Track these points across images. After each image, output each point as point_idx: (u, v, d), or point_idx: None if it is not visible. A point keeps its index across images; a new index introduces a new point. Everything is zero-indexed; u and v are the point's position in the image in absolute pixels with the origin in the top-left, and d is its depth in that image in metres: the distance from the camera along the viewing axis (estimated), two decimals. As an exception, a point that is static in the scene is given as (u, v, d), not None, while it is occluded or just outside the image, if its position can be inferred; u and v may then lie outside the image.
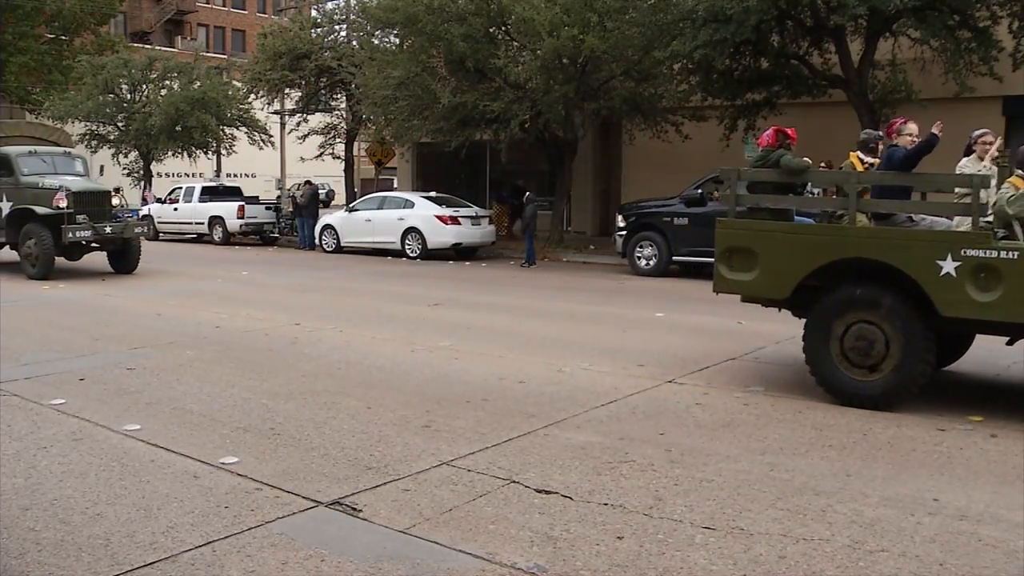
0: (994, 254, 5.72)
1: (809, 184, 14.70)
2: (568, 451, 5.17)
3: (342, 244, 20.72)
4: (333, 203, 37.63)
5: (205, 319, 10.17)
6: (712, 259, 16.10)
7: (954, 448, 5.33)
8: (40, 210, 14.17)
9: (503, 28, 19.18)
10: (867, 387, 6.19)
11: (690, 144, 19.40)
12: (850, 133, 16.39)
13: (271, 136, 30.70)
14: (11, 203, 14.62)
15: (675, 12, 15.50)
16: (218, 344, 8.61)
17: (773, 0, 14.18)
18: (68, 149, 16.67)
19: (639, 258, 15.89)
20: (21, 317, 10.27)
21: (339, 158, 29.79)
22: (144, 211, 24.90)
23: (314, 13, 28.54)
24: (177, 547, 3.79)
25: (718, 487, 4.58)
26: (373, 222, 19.94)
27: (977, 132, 6.90)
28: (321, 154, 29.29)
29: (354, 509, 4.25)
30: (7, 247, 15.16)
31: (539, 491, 4.49)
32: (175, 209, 24.74)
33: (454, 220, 18.79)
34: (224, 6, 56.14)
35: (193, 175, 35.16)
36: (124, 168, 31.65)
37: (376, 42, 23.36)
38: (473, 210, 19.64)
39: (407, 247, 19.15)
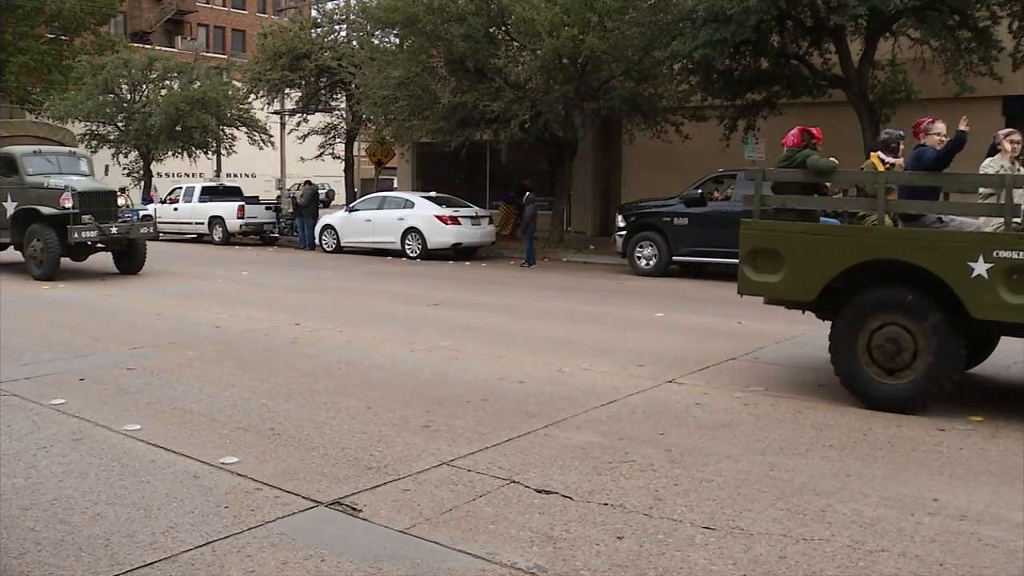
0: None
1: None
2: (568, 451, 5.17)
3: (342, 244, 20.72)
4: (333, 203, 37.65)
5: (205, 319, 10.17)
6: (712, 259, 16.24)
7: (954, 448, 5.32)
8: (45, 210, 14.09)
9: (503, 28, 19.18)
10: (895, 390, 6.08)
11: (690, 144, 19.41)
12: (850, 133, 16.46)
13: (271, 136, 30.71)
14: (16, 203, 14.53)
15: (675, 12, 15.50)
16: (218, 344, 8.61)
17: (773, 0, 14.18)
18: (73, 149, 16.52)
19: (639, 258, 15.89)
20: (21, 317, 10.27)
21: (339, 158, 29.80)
22: (147, 210, 24.80)
23: (314, 13, 28.55)
24: (177, 547, 3.79)
25: (718, 487, 4.58)
26: (373, 222, 19.95)
27: (1004, 131, 6.76)
28: (321, 154, 29.28)
29: (354, 509, 4.25)
30: (11, 247, 15.08)
31: (539, 491, 4.49)
32: (175, 209, 24.74)
33: (454, 220, 18.79)
34: (224, 6, 56.14)
35: (193, 175, 35.17)
36: (124, 168, 31.66)
37: (376, 42, 23.37)
38: (473, 210, 19.64)
39: (407, 247, 19.15)
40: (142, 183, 31.55)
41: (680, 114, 19.33)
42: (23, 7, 34.00)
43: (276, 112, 30.42)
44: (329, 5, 27.04)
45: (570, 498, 4.40)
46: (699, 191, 15.37)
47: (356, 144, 30.61)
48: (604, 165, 24.53)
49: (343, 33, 26.20)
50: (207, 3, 54.85)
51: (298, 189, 26.36)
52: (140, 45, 41.13)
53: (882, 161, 7.01)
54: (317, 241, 21.47)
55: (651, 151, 21.05)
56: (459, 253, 19.31)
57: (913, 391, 6.02)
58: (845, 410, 6.18)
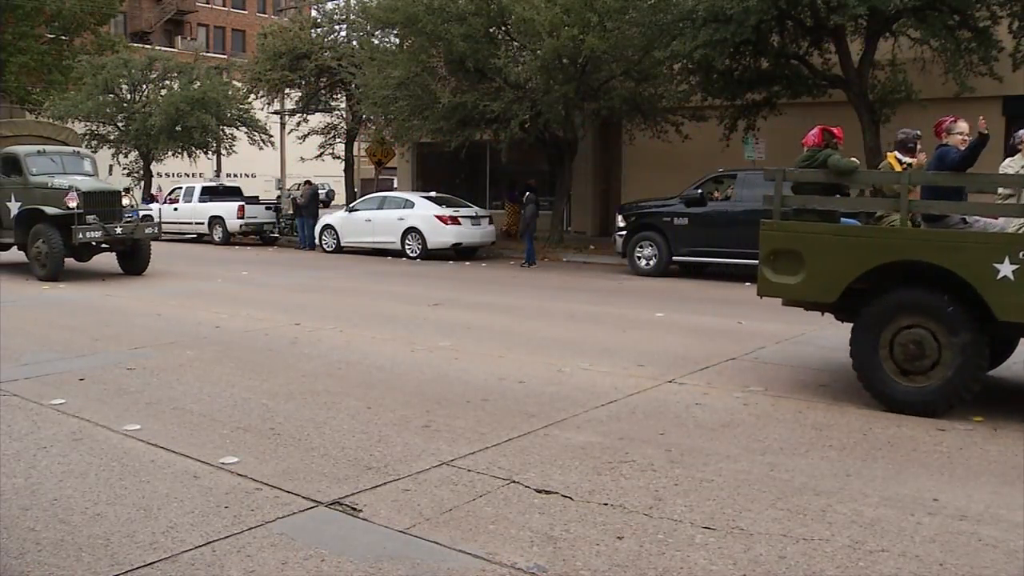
0: None
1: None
2: (568, 451, 5.17)
3: (342, 244, 20.72)
4: (333, 203, 37.66)
5: (205, 319, 10.17)
6: (712, 259, 16.22)
7: (954, 448, 5.32)
8: (50, 210, 13.99)
9: (503, 28, 19.19)
10: (917, 393, 5.99)
11: (690, 144, 19.41)
12: (850, 133, 16.43)
13: (271, 136, 30.71)
14: (20, 203, 14.45)
15: (675, 12, 15.51)
16: (218, 344, 8.61)
17: (773, 0, 14.19)
18: (77, 149, 16.41)
19: (639, 258, 15.89)
20: (21, 317, 10.27)
21: (339, 158, 29.80)
22: (148, 210, 24.77)
23: (314, 13, 28.56)
24: (177, 547, 3.79)
25: (718, 487, 4.58)
26: (373, 222, 19.95)
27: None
28: (321, 154, 29.30)
29: (354, 509, 4.25)
30: (15, 247, 15.01)
31: (539, 491, 4.49)
32: (175, 209, 24.73)
33: (454, 220, 18.79)
34: (224, 6, 56.15)
35: (193, 175, 35.19)
36: (124, 168, 31.66)
37: (376, 42, 23.38)
38: (473, 210, 19.64)
39: (407, 247, 19.15)
40: (142, 183, 31.55)
41: (680, 114, 19.33)
42: (23, 7, 34.00)
43: (276, 112, 30.43)
44: (329, 5, 27.06)
45: (570, 498, 4.40)
46: (699, 191, 15.37)
47: (356, 144, 30.62)
48: (604, 165, 24.53)
49: (343, 33, 26.21)
50: (207, 3, 54.85)
51: (298, 189, 26.38)
52: (140, 45, 41.13)
53: (899, 161, 6.91)
54: (317, 241, 21.47)
55: (651, 151, 21.06)
56: (459, 253, 19.31)
57: (937, 394, 5.92)
58: (845, 410, 6.18)
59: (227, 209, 23.55)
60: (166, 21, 52.67)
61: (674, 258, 15.52)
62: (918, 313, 6.02)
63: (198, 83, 29.25)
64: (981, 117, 6.16)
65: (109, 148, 30.48)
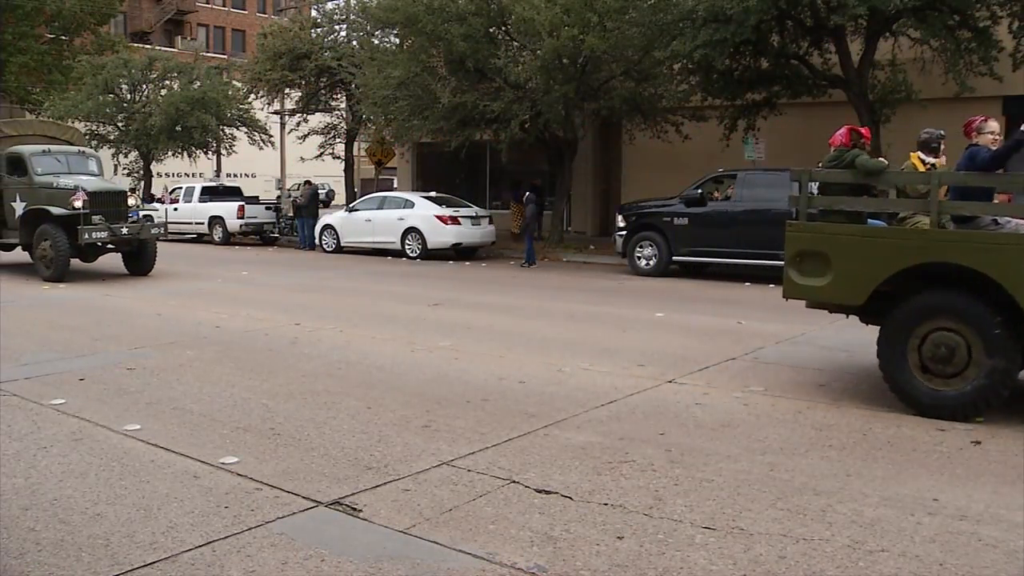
0: None
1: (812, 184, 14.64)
2: (568, 451, 5.17)
3: (342, 244, 20.72)
4: (333, 203, 37.66)
5: (205, 319, 10.17)
6: (712, 259, 16.22)
7: (954, 448, 5.32)
8: (55, 210, 13.89)
9: (503, 28, 19.19)
10: (947, 397, 5.90)
11: (690, 144, 19.42)
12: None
13: (271, 136, 30.71)
14: (25, 203, 14.35)
15: (675, 12, 15.50)
16: (218, 344, 8.61)
17: (773, 0, 14.19)
18: (82, 148, 16.27)
19: (639, 258, 15.89)
20: (21, 317, 10.27)
21: (339, 158, 29.81)
22: (148, 210, 24.75)
23: (314, 13, 28.56)
24: (177, 547, 3.79)
25: (718, 487, 4.58)
26: (373, 222, 19.94)
27: None
28: (321, 154, 29.30)
29: (354, 509, 4.25)
30: (19, 248, 14.91)
31: (539, 491, 4.49)
32: (175, 209, 24.73)
33: (454, 220, 18.79)
34: (224, 6, 56.14)
35: (193, 175, 35.18)
36: (124, 168, 31.65)
37: (376, 42, 23.39)
38: (473, 210, 19.64)
39: (407, 247, 19.15)
40: (142, 183, 31.54)
41: (680, 114, 19.33)
42: (23, 7, 34.01)
43: (276, 112, 30.43)
44: (329, 5, 27.07)
45: (570, 498, 4.40)
46: (699, 191, 15.37)
47: (356, 144, 30.63)
48: (604, 165, 24.53)
49: (343, 33, 26.22)
50: (207, 3, 54.85)
51: (298, 189, 26.37)
52: (140, 45, 41.11)
53: (922, 161, 6.81)
54: (317, 241, 21.46)
55: (651, 151, 21.06)
56: (459, 253, 19.31)
57: (968, 397, 5.82)
58: (845, 410, 6.18)
59: (227, 209, 23.54)
60: (166, 21, 52.67)
61: (674, 258, 15.52)
62: (948, 316, 5.91)
63: (198, 83, 29.26)
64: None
65: (109, 148, 30.49)
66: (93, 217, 13.93)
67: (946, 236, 6.12)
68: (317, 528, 4.03)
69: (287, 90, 28.26)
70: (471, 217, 19.27)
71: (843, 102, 16.64)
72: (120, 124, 30.11)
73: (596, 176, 24.39)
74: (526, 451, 5.17)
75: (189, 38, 49.44)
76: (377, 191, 25.10)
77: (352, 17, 24.78)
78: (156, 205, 24.89)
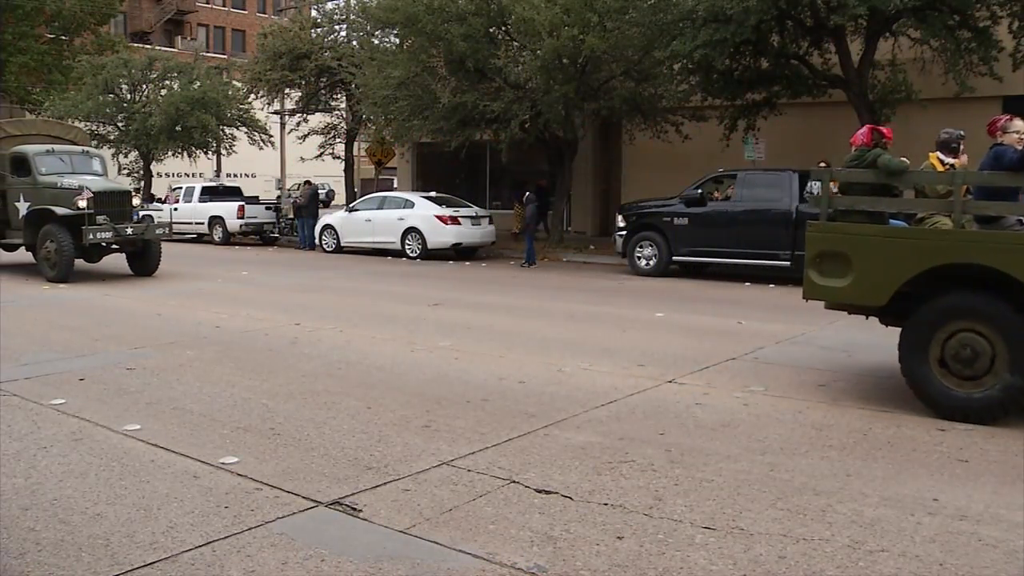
0: None
1: (812, 184, 14.62)
2: (568, 451, 5.17)
3: (342, 244, 20.72)
4: (333, 203, 37.67)
5: (205, 319, 10.17)
6: (712, 259, 16.21)
7: (954, 448, 5.32)
8: (60, 211, 13.79)
9: (503, 28, 19.19)
10: (971, 400, 5.83)
11: (690, 144, 19.42)
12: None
13: (271, 136, 30.71)
14: (29, 203, 14.25)
15: (675, 12, 15.51)
16: (218, 344, 8.61)
17: (773, 0, 14.19)
18: (86, 148, 16.17)
19: (639, 258, 15.89)
20: (21, 317, 10.26)
21: (339, 158, 29.80)
22: (149, 211, 24.69)
23: (314, 13, 28.56)
24: (177, 547, 3.79)
25: (718, 487, 4.58)
26: (373, 222, 19.94)
27: None
28: (321, 154, 29.30)
29: (354, 509, 4.25)
30: (22, 248, 14.82)
31: (539, 491, 4.49)
32: (175, 209, 24.70)
33: (454, 220, 18.79)
34: (224, 6, 56.15)
35: (193, 175, 35.18)
36: (124, 168, 31.65)
37: (376, 42, 23.38)
38: (473, 210, 19.64)
39: (407, 247, 19.15)
40: (142, 183, 31.54)
41: (680, 114, 19.34)
42: (23, 7, 34.01)
43: (276, 112, 30.43)
44: (329, 5, 27.07)
45: (570, 498, 4.40)
46: (699, 191, 15.37)
47: (356, 144, 30.62)
48: (604, 165, 24.54)
49: (343, 33, 26.22)
50: (207, 3, 54.86)
51: (298, 189, 26.37)
52: (140, 45, 41.13)
53: (941, 162, 6.75)
54: (317, 241, 21.46)
55: (651, 151, 21.06)
56: (459, 253, 19.31)
57: (992, 400, 5.76)
58: (845, 410, 6.18)
59: (227, 209, 23.53)
60: (166, 21, 52.68)
61: (674, 258, 15.52)
62: (972, 317, 5.82)
63: (198, 83, 29.25)
64: None
65: (109, 148, 30.48)
66: (97, 217, 13.81)
67: (971, 237, 6.04)
68: (317, 528, 4.03)
69: (287, 90, 28.25)
70: (471, 217, 19.27)
71: (843, 102, 16.65)
72: (120, 124, 30.11)
73: (596, 176, 24.39)
74: (526, 451, 5.17)
75: (189, 38, 49.49)
76: (377, 191, 25.10)
77: (352, 17, 24.77)
78: (161, 205, 24.82)
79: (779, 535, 3.95)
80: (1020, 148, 6.14)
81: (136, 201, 15.55)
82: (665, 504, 4.32)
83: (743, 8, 14.05)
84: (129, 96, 30.41)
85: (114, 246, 14.62)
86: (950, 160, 6.80)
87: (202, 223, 23.99)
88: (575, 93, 17.97)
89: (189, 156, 30.54)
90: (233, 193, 25.28)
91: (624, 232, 16.16)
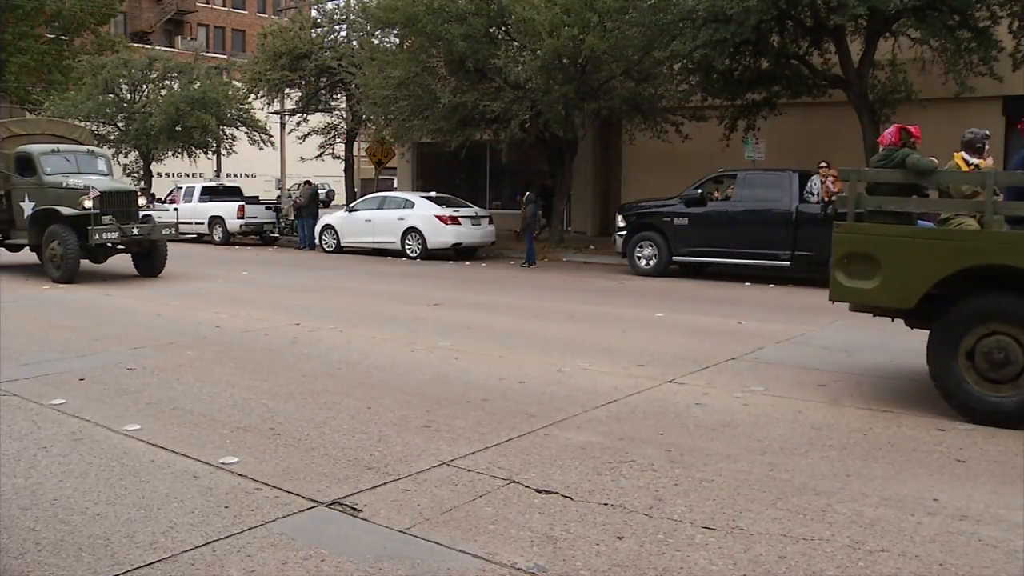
0: None
1: (812, 184, 14.58)
2: (568, 451, 5.17)
3: (342, 244, 20.72)
4: (333, 203, 37.67)
5: (205, 319, 10.17)
6: (712, 259, 16.21)
7: (954, 448, 5.32)
8: (65, 211, 13.69)
9: (503, 28, 19.19)
10: (1003, 404, 5.73)
11: (690, 144, 19.42)
12: (850, 133, 16.47)
13: (271, 136, 30.70)
14: (33, 203, 14.15)
15: (675, 12, 15.51)
16: (218, 344, 8.61)
17: (773, 0, 14.19)
18: (91, 147, 16.10)
19: (639, 258, 15.89)
20: (21, 317, 10.26)
21: (339, 158, 29.80)
22: (167, 210, 24.61)
23: (314, 13, 28.56)
24: (177, 547, 3.79)
25: (718, 487, 4.57)
26: (373, 222, 19.94)
27: None
28: (321, 154, 29.30)
29: (354, 509, 4.25)
30: (27, 248, 14.75)
31: (539, 491, 4.49)
32: (175, 209, 24.68)
33: (454, 220, 18.79)
34: (224, 6, 56.16)
35: (193, 175, 35.17)
36: (124, 168, 31.64)
37: (376, 42, 23.38)
38: (473, 210, 19.65)
39: (407, 247, 19.15)
40: (142, 183, 31.54)
41: (680, 114, 19.34)
42: (23, 7, 33.99)
43: (276, 112, 30.43)
44: (329, 5, 27.07)
45: (570, 498, 4.40)
46: (699, 191, 15.37)
47: (356, 144, 30.62)
48: (604, 165, 24.54)
49: (343, 33, 26.22)
50: (207, 3, 54.86)
51: (298, 189, 26.36)
52: (140, 45, 41.11)
53: (966, 162, 6.67)
54: (317, 241, 21.46)
55: (651, 151, 21.06)
56: (459, 253, 19.31)
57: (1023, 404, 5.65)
58: (845, 410, 6.18)
59: (227, 209, 23.52)
60: (166, 21, 52.68)
61: (674, 258, 15.52)
62: (1004, 320, 5.73)
63: (198, 83, 29.24)
64: None
65: (109, 148, 30.46)
66: (103, 217, 13.72)
67: (1005, 238, 5.95)
68: (317, 528, 4.03)
69: (287, 90, 28.26)
70: (471, 217, 19.27)
71: (843, 102, 16.65)
72: (120, 124, 30.10)
73: (596, 176, 24.39)
74: (526, 451, 5.17)
75: (189, 38, 49.46)
76: (377, 191, 25.09)
77: (352, 17, 24.79)
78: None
79: (779, 535, 3.95)
80: None
81: (142, 201, 15.43)
82: (665, 504, 4.32)
83: (743, 8, 14.05)
84: (129, 96, 30.41)
85: (120, 247, 14.52)
86: (975, 160, 6.72)
87: (202, 223, 23.98)
88: (575, 93, 17.97)
89: (189, 156, 30.53)
90: (233, 193, 25.27)
91: (624, 232, 16.15)
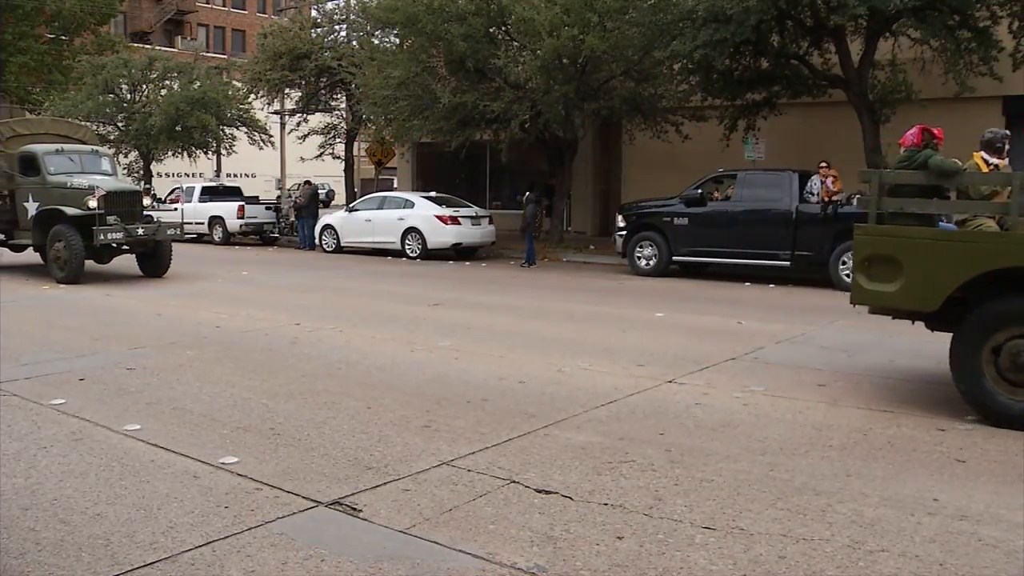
0: None
1: (812, 184, 14.57)
2: (568, 451, 5.17)
3: (342, 244, 20.72)
4: (333, 203, 37.68)
5: (205, 319, 10.17)
6: (712, 259, 16.21)
7: (954, 448, 5.32)
8: (70, 211, 13.61)
9: (503, 28, 19.19)
10: None
11: (690, 144, 19.43)
12: (850, 133, 16.48)
13: (271, 136, 30.70)
14: (37, 203, 14.08)
15: (675, 12, 15.51)
16: (218, 344, 8.61)
17: (773, 0, 14.19)
18: (95, 147, 16.03)
19: (639, 258, 15.90)
20: (21, 317, 10.26)
21: (339, 158, 29.79)
22: (174, 210, 24.55)
23: (314, 13, 28.56)
24: (177, 547, 3.79)
25: (718, 487, 4.57)
26: (373, 222, 19.95)
27: None
28: (321, 154, 29.30)
29: (354, 509, 4.25)
30: (30, 248, 14.70)
31: (539, 491, 4.49)
32: (175, 209, 24.67)
33: (454, 220, 18.79)
34: (224, 6, 56.16)
35: (193, 175, 35.18)
36: (124, 168, 31.64)
37: (376, 42, 23.39)
38: (473, 210, 19.65)
39: (407, 247, 19.15)
40: (142, 183, 31.54)
41: (680, 114, 19.35)
42: (23, 7, 34.00)
43: (276, 112, 30.42)
44: (329, 5, 27.07)
45: (570, 498, 4.40)
46: (699, 191, 15.38)
47: (356, 144, 30.62)
48: (604, 165, 24.54)
49: (343, 33, 26.23)
50: (207, 3, 54.86)
51: (297, 189, 26.35)
52: (140, 45, 41.11)
53: (985, 162, 6.64)
54: (317, 241, 21.46)
55: (651, 151, 21.07)
56: (459, 253, 19.31)
57: None
58: (845, 410, 6.18)
59: (227, 209, 23.52)
60: (166, 21, 52.68)
61: (674, 258, 15.53)
62: None
63: (198, 83, 29.24)
64: None
65: (109, 148, 30.45)
66: (108, 218, 13.64)
67: None
68: (317, 528, 4.03)
69: (287, 90, 28.26)
70: (471, 217, 19.28)
71: (843, 102, 16.65)
72: (120, 124, 30.09)
73: (596, 176, 24.40)
74: (526, 451, 5.17)
75: (189, 38, 49.46)
76: (377, 191, 25.10)
77: (352, 17, 24.79)
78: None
79: (779, 535, 3.95)
80: None
81: (147, 201, 15.32)
82: (665, 504, 4.32)
83: (743, 8, 14.05)
84: (129, 96, 30.40)
85: (124, 247, 14.46)
86: (995, 160, 6.67)
87: (202, 223, 23.97)
88: (575, 93, 17.97)
89: (189, 156, 30.53)
90: (233, 193, 25.27)
91: (624, 232, 16.16)
